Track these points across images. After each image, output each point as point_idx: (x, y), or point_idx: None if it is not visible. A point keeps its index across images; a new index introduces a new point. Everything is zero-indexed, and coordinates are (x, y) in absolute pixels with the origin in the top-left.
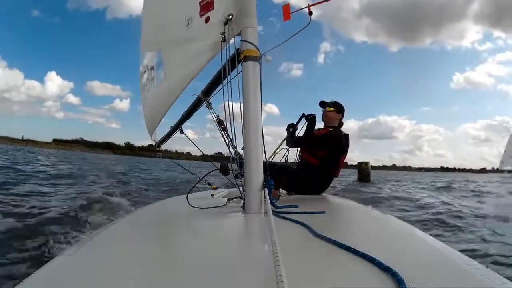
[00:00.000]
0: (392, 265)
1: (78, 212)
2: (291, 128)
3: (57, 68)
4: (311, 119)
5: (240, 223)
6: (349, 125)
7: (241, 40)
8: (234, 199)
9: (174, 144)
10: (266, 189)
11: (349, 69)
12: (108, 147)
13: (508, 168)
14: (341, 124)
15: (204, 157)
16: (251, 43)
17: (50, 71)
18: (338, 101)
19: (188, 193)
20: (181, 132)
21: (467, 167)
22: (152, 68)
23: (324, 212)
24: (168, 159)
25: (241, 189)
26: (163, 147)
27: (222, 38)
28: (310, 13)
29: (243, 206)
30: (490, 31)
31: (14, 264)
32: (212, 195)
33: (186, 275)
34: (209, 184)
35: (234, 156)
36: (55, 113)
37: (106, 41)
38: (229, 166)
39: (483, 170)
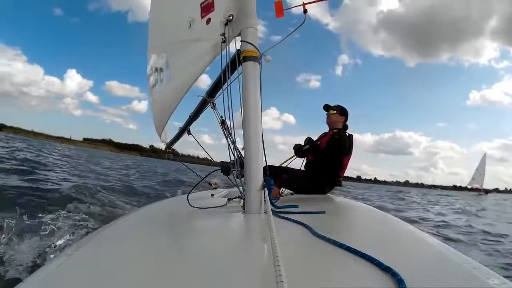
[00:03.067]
0: (392, 265)
1: None
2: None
3: (77, 66)
4: (302, 151)
5: (240, 223)
6: (365, 139)
7: (241, 41)
8: (234, 199)
9: (198, 151)
10: (266, 189)
11: (367, 82)
12: (136, 149)
13: (476, 186)
14: (345, 127)
15: (209, 159)
16: (250, 43)
17: (70, 68)
18: (344, 106)
19: (189, 193)
20: (189, 133)
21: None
22: (159, 70)
23: (324, 212)
24: (177, 161)
25: (241, 189)
26: (184, 151)
27: (223, 39)
28: (305, 11)
29: (243, 206)
30: (507, 48)
31: None
32: (212, 195)
33: (186, 275)
34: (210, 184)
35: (235, 156)
36: (73, 110)
37: (127, 43)
38: (230, 166)
39: (496, 190)
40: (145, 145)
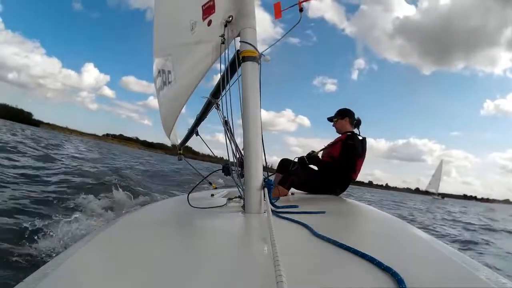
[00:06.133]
0: (392, 265)
1: None
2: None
3: (95, 60)
4: (309, 159)
5: (240, 223)
6: (379, 145)
7: (240, 41)
8: (234, 199)
9: (202, 146)
10: (266, 189)
11: (382, 87)
12: (161, 147)
13: (433, 190)
14: (358, 122)
15: (214, 158)
16: (249, 44)
17: (88, 62)
18: (351, 109)
19: (189, 193)
20: (197, 134)
21: (491, 197)
22: (166, 72)
23: (324, 212)
24: (185, 160)
25: (241, 189)
26: (204, 151)
27: (222, 40)
28: (301, 10)
29: (243, 206)
30: None
31: None
32: (212, 195)
33: (186, 275)
34: (210, 183)
35: (236, 156)
36: (89, 104)
37: (145, 40)
38: (230, 166)
39: (506, 201)
40: (168, 143)
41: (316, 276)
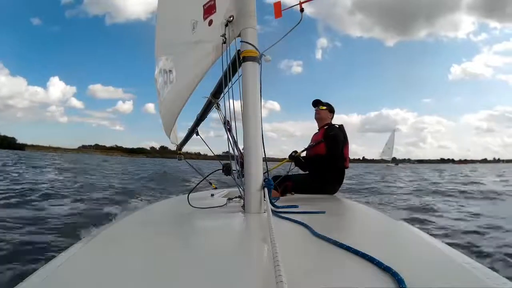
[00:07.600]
0: (392, 265)
1: None
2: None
3: (60, 73)
4: (296, 158)
5: (240, 223)
6: (351, 119)
7: (240, 41)
8: (234, 199)
9: (193, 146)
10: (266, 189)
11: (348, 64)
12: (142, 152)
13: (387, 158)
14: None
15: (213, 157)
16: (250, 44)
17: (52, 76)
18: (330, 102)
19: (190, 193)
20: (197, 134)
21: (469, 158)
22: (168, 72)
23: (324, 212)
24: (184, 161)
25: (241, 189)
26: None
27: (223, 40)
28: (302, 10)
29: (243, 206)
30: (484, 21)
31: None
32: (212, 195)
33: (186, 275)
34: (210, 183)
35: (236, 156)
36: (59, 117)
37: (107, 45)
38: (231, 166)
39: (484, 161)
40: (147, 147)
41: (316, 276)
